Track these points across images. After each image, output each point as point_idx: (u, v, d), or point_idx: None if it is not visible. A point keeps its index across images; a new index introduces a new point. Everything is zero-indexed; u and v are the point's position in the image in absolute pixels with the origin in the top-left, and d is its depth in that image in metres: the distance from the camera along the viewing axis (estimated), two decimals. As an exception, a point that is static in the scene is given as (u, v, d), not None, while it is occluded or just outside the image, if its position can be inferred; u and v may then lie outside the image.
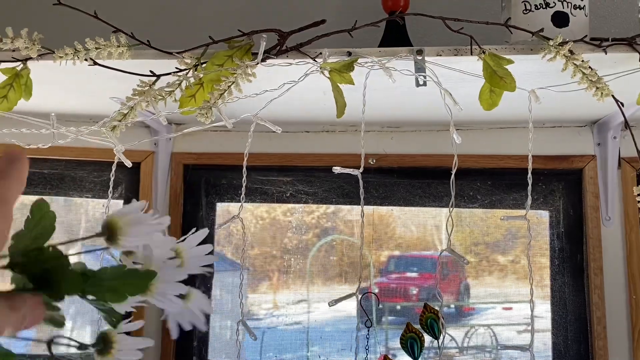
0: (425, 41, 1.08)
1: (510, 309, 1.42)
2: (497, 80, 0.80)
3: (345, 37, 0.94)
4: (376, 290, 1.51)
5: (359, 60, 0.84)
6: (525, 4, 0.90)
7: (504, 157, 1.37)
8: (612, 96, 0.83)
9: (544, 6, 0.89)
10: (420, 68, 0.85)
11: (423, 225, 1.44)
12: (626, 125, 0.81)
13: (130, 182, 1.43)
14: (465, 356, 1.44)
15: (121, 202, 1.44)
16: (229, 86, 0.81)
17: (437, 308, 1.26)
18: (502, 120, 1.35)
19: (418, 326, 1.24)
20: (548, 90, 0.98)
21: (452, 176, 0.85)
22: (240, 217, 0.85)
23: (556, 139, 1.35)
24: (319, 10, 1.23)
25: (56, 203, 1.47)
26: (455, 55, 0.84)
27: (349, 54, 0.85)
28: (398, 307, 1.53)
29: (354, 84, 0.84)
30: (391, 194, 1.41)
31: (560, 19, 0.88)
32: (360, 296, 1.40)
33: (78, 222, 1.49)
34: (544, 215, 1.40)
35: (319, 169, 1.43)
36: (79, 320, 1.47)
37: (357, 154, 1.43)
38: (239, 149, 1.42)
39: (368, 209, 1.44)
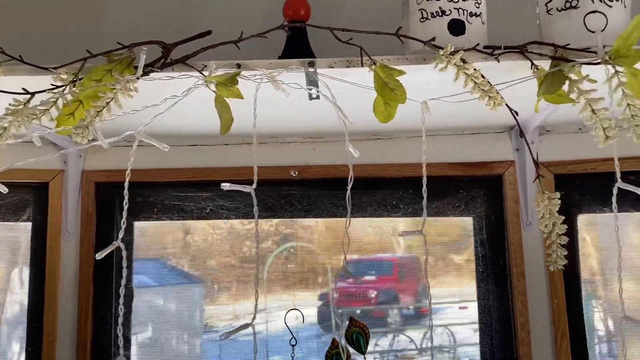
0: (331, 53, 1.05)
1: (466, 308, 1.41)
2: (388, 92, 0.77)
3: (251, 47, 0.90)
4: (335, 296, 1.48)
5: (248, 73, 0.80)
6: (422, 12, 0.88)
7: (426, 164, 1.34)
8: (506, 105, 0.82)
9: (440, 14, 0.87)
10: (313, 80, 0.82)
11: (380, 229, 1.42)
12: (521, 134, 0.80)
13: (38, 203, 1.34)
14: (425, 357, 1.43)
15: (29, 225, 1.36)
16: (107, 103, 0.76)
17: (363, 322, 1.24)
18: (421, 129, 1.33)
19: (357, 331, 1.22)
20: (465, 97, 0.95)
21: (348, 191, 0.82)
22: (121, 243, 0.80)
23: (475, 145, 1.34)
24: (226, 21, 1.18)
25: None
26: (347, 66, 0.82)
27: (238, 66, 0.81)
28: (358, 312, 1.51)
29: (242, 98, 0.80)
30: (315, 206, 1.38)
31: (457, 27, 0.87)
32: (285, 313, 1.36)
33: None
34: (467, 222, 1.39)
35: (240, 183, 1.37)
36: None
37: (279, 166, 1.41)
38: (154, 165, 1.38)
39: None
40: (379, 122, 0.95)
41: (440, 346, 1.46)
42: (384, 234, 1.44)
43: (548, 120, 1.23)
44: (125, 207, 0.80)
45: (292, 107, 1.08)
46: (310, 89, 0.82)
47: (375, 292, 1.52)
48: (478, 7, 0.88)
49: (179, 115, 1.10)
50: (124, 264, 0.82)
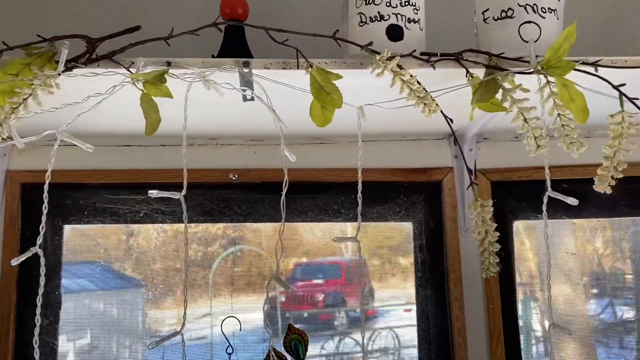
0: (273, 55, 1.02)
1: (410, 310, 1.41)
2: (324, 95, 0.76)
3: (189, 46, 0.87)
4: (283, 299, 1.47)
5: (179, 72, 0.77)
6: (360, 16, 0.87)
7: (366, 170, 1.32)
8: (441, 112, 0.82)
9: (378, 19, 0.86)
10: (247, 81, 0.79)
11: (328, 232, 1.41)
12: (455, 141, 0.80)
13: (-44, 205, 1.25)
14: (370, 359, 1.44)
15: (-55, 229, 1.26)
16: (25, 99, 0.71)
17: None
18: (363, 134, 1.33)
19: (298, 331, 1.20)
20: (402, 103, 0.95)
21: (283, 196, 0.80)
22: (39, 250, 0.74)
23: (416, 151, 1.35)
24: (161, 18, 1.14)
25: None
26: (284, 68, 0.79)
27: (169, 64, 0.77)
28: (305, 315, 1.51)
29: (172, 97, 0.76)
30: (255, 210, 1.35)
31: (395, 33, 0.86)
32: (222, 320, 1.32)
33: None
34: (407, 227, 1.40)
35: (177, 186, 1.32)
36: None
37: (219, 169, 1.37)
38: (86, 166, 1.31)
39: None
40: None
41: (385, 348, 1.47)
42: (332, 237, 1.43)
43: (486, 128, 1.25)
44: (45, 211, 0.75)
45: (232, 108, 1.05)
46: (245, 90, 0.80)
47: (323, 295, 1.51)
48: (416, 14, 0.88)
49: (112, 114, 1.05)
50: (42, 271, 0.77)
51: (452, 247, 1.31)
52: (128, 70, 0.76)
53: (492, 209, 0.84)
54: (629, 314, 1.46)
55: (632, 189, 1.33)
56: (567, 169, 1.28)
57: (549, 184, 0.80)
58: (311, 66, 0.76)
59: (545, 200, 0.80)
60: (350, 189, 1.36)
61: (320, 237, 1.43)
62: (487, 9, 0.90)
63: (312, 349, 1.45)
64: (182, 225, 1.42)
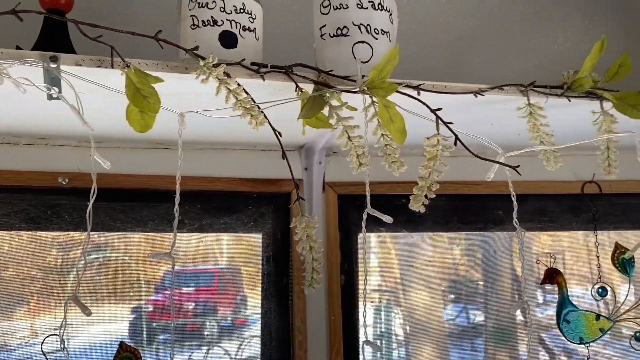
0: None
1: None
2: (139, 99, 0.70)
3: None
4: (150, 309, 1.39)
5: (-32, 62, 0.67)
6: (193, 19, 0.83)
7: (214, 179, 1.30)
8: (270, 124, 0.80)
9: (211, 23, 0.83)
10: (55, 78, 0.72)
11: (202, 240, 1.36)
12: (283, 155, 0.79)
13: None
14: None
15: None
16: None
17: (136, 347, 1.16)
18: (212, 141, 1.29)
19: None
20: (229, 113, 0.92)
21: (90, 205, 0.73)
22: None
23: (267, 162, 1.33)
24: None
25: None
26: (98, 66, 0.73)
27: (-43, 52, 0.67)
28: (173, 324, 1.41)
29: (-44, 91, 0.66)
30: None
31: (228, 40, 0.83)
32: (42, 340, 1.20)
33: None
34: (257, 239, 1.37)
35: (4, 189, 1.19)
36: None
37: (47, 171, 1.25)
38: None
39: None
40: (166, 131, 0.88)
41: (254, 356, 1.44)
42: (207, 244, 1.37)
43: (335, 142, 1.27)
44: None
45: (59, 105, 0.95)
46: (50, 89, 0.72)
47: (193, 304, 1.47)
48: (252, 22, 0.86)
49: None
50: None
51: (297, 259, 1.31)
52: None
53: (316, 225, 0.83)
54: (480, 317, 1.57)
55: (463, 206, 1.42)
56: (407, 185, 1.33)
57: (368, 200, 0.81)
58: (128, 66, 0.70)
59: (364, 216, 0.81)
60: (196, 198, 1.31)
61: (195, 244, 1.37)
62: (325, 25, 0.90)
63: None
64: (36, 232, 1.29)
